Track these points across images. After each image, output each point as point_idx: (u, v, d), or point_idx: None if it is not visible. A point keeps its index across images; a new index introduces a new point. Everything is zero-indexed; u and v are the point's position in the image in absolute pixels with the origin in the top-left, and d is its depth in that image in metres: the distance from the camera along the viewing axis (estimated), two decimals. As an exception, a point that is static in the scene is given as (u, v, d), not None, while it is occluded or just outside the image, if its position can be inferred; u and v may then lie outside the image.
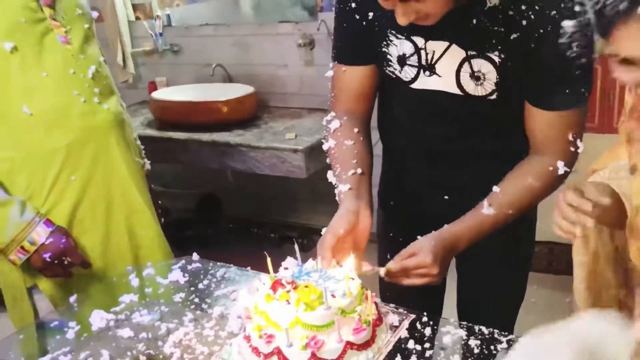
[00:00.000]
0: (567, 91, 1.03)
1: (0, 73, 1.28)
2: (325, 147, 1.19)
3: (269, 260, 0.96)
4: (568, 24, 0.79)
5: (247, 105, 2.54)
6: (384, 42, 1.12)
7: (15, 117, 1.30)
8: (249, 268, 1.27)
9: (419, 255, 1.03)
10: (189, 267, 1.29)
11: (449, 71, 1.08)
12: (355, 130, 1.17)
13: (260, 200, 3.04)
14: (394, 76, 1.14)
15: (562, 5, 0.96)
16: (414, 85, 1.12)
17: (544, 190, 1.09)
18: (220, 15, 2.97)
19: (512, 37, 1.00)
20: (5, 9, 1.27)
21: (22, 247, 1.28)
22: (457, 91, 1.09)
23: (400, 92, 1.17)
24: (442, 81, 1.09)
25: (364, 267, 1.05)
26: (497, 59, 1.03)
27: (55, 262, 1.30)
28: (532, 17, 0.98)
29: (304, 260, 1.01)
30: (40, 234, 1.29)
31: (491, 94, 1.08)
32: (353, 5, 1.12)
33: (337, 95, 1.21)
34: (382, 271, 1.06)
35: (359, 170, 1.12)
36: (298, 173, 2.24)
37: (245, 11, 2.98)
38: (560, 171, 1.06)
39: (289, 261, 1.01)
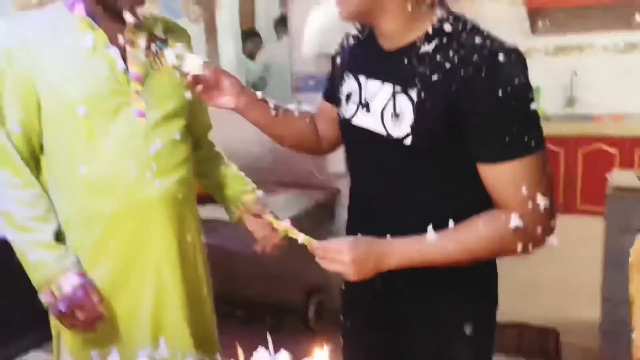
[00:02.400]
0: (505, 140, 1.02)
1: (70, 134, 1.31)
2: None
3: (240, 353, 0.94)
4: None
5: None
6: (341, 82, 1.25)
7: (72, 177, 1.33)
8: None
9: (342, 241, 1.08)
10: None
11: (378, 108, 1.13)
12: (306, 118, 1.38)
13: (229, 276, 2.98)
14: (341, 116, 1.25)
15: (484, 52, 1.02)
16: (353, 121, 1.19)
17: (492, 238, 1.05)
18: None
19: (433, 79, 1.05)
20: (91, 80, 1.30)
21: (51, 291, 1.30)
22: (382, 130, 1.12)
23: (345, 131, 1.26)
24: (372, 119, 1.15)
25: (282, 223, 1.20)
26: (415, 97, 1.07)
27: (73, 313, 1.30)
28: (455, 60, 1.03)
29: (276, 346, 0.98)
30: (69, 283, 1.30)
31: (406, 137, 1.09)
32: (333, 51, 1.32)
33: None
34: (301, 237, 1.14)
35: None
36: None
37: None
38: (513, 223, 1.02)
39: (260, 354, 0.98)
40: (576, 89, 4.30)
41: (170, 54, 1.34)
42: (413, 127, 1.07)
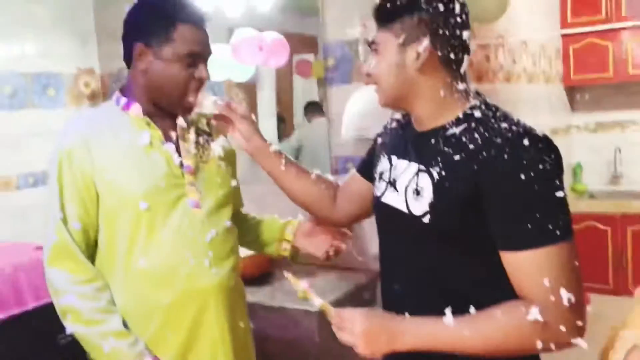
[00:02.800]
0: (527, 227, 0.99)
1: (131, 228, 1.35)
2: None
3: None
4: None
5: (262, 262, 2.54)
6: (377, 162, 1.31)
7: (131, 270, 1.36)
8: None
9: (356, 311, 1.08)
10: None
11: (402, 186, 1.16)
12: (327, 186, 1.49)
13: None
14: (374, 195, 1.29)
15: (509, 134, 1.02)
16: (382, 199, 1.22)
17: (509, 329, 1.00)
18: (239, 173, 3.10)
19: (455, 158, 1.06)
20: (150, 175, 1.36)
21: None
22: (404, 207, 1.13)
23: (376, 209, 1.30)
24: (398, 196, 1.16)
25: (301, 283, 1.21)
26: (436, 176, 1.08)
27: None
28: (479, 142, 1.04)
29: None
30: None
31: (425, 214, 1.08)
32: (375, 132, 1.40)
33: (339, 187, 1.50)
34: (318, 302, 1.16)
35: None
36: (309, 336, 2.17)
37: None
38: (532, 316, 0.97)
39: None
40: (620, 165, 4.21)
41: (216, 146, 1.44)
42: (432, 205, 1.08)
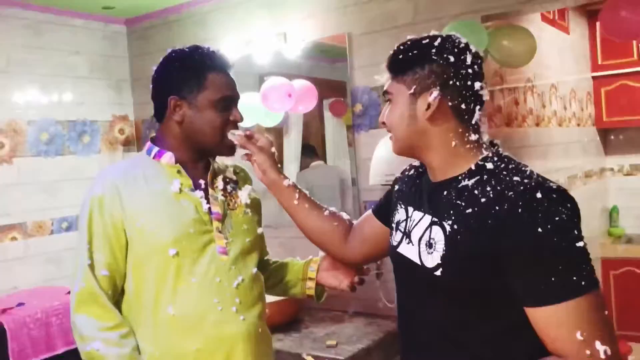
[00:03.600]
0: (550, 280, 0.96)
1: (160, 274, 1.37)
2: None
3: None
4: None
5: (289, 309, 2.52)
6: (395, 210, 1.29)
7: (161, 316, 1.37)
8: None
9: None
10: None
11: (416, 238, 1.14)
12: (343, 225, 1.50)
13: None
14: (391, 243, 1.27)
15: (520, 188, 1.00)
16: (399, 249, 1.20)
17: None
18: (268, 218, 3.12)
19: (467, 211, 1.04)
20: (179, 221, 1.39)
21: None
22: (417, 259, 1.12)
23: (392, 258, 1.27)
24: (412, 248, 1.15)
25: None
26: (448, 229, 1.06)
27: None
28: (491, 195, 1.02)
29: None
30: None
31: (437, 267, 1.07)
32: (393, 185, 1.38)
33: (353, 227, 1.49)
34: None
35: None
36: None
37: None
38: None
39: None
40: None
41: (243, 194, 1.46)
42: (443, 258, 1.06)
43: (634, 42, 3.81)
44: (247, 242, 1.48)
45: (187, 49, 1.45)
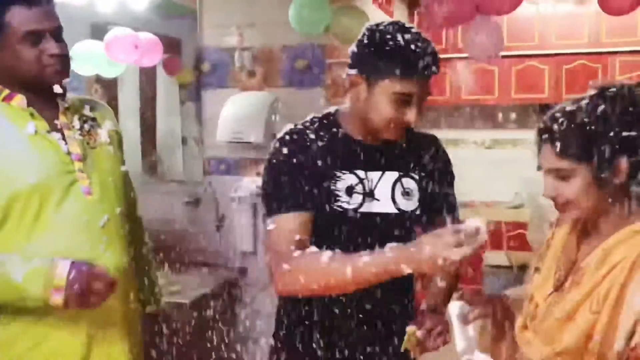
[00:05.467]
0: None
1: (26, 217, 1.35)
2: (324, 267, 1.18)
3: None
4: None
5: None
6: (332, 181, 1.30)
7: (28, 255, 1.33)
8: None
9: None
10: None
11: (385, 193, 1.33)
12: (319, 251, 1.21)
13: None
14: (341, 209, 1.29)
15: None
16: (362, 209, 1.32)
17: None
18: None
19: (421, 161, 1.38)
20: (40, 161, 1.37)
21: (57, 287, 1.29)
22: (393, 209, 1.33)
23: (347, 222, 1.29)
24: (381, 204, 1.33)
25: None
26: (417, 177, 1.36)
27: (90, 288, 1.32)
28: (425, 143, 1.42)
29: None
30: (67, 269, 1.31)
31: (416, 209, 1.35)
32: (299, 159, 1.28)
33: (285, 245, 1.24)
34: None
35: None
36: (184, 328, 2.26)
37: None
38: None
39: None
40: (453, 178, 4.78)
41: (103, 132, 1.49)
42: (419, 200, 1.36)
43: (444, 32, 4.34)
44: (111, 182, 1.50)
45: None
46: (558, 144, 1.02)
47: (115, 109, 3.19)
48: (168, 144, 3.39)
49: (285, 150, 1.30)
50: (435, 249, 1.05)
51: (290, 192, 1.27)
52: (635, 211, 1.03)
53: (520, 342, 1.13)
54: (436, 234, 1.08)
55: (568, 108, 1.04)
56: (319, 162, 1.29)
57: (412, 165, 1.37)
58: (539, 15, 3.94)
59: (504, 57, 3.66)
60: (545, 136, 1.05)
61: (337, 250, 1.19)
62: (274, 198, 1.29)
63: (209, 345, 2.40)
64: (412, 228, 1.36)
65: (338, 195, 1.30)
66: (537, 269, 1.20)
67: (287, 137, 1.33)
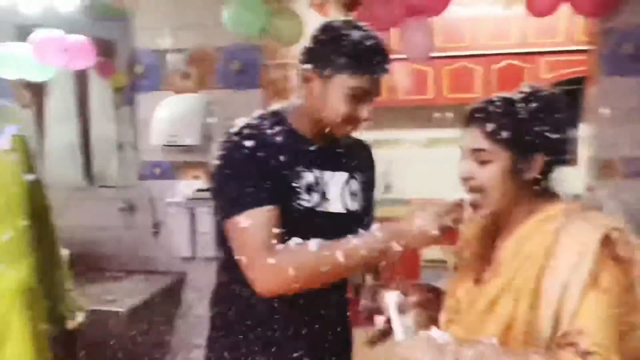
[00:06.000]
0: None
1: None
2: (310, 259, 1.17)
3: None
4: None
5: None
6: (295, 178, 1.28)
7: None
8: None
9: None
10: None
11: (335, 194, 1.35)
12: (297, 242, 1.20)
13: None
14: (301, 207, 1.28)
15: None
16: (319, 208, 1.32)
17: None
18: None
19: (361, 164, 1.44)
20: None
21: None
22: (341, 209, 1.35)
23: (306, 220, 1.28)
24: (332, 203, 1.34)
25: None
26: (359, 179, 1.41)
27: None
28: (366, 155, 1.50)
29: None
30: None
31: (360, 208, 1.40)
32: (262, 154, 1.24)
33: (259, 241, 1.19)
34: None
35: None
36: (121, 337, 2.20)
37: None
38: None
39: None
40: (392, 176, 4.86)
41: (4, 139, 1.44)
42: (362, 200, 1.41)
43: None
44: (15, 193, 1.45)
45: None
46: (490, 125, 1.06)
47: (42, 115, 3.15)
48: (103, 149, 3.32)
49: (247, 144, 1.24)
50: (425, 220, 1.14)
51: (261, 185, 1.22)
52: (540, 205, 1.09)
53: None
54: (422, 206, 1.17)
55: (506, 96, 1.09)
56: (282, 158, 1.27)
57: (355, 167, 1.40)
58: (470, 17, 4.06)
59: (436, 57, 3.76)
60: (477, 115, 1.09)
61: (321, 239, 1.18)
62: (243, 193, 1.21)
63: (146, 354, 2.35)
64: (358, 228, 1.30)
65: (299, 193, 1.29)
66: (455, 265, 1.24)
67: (246, 131, 1.27)
